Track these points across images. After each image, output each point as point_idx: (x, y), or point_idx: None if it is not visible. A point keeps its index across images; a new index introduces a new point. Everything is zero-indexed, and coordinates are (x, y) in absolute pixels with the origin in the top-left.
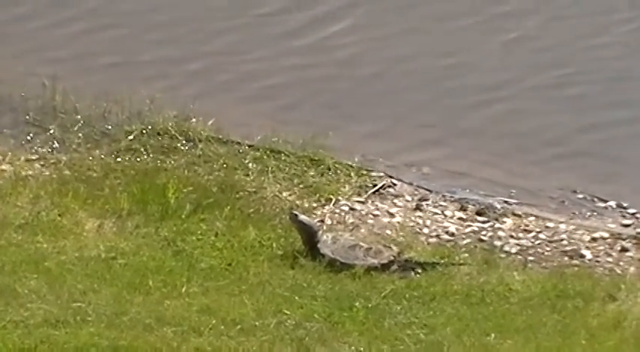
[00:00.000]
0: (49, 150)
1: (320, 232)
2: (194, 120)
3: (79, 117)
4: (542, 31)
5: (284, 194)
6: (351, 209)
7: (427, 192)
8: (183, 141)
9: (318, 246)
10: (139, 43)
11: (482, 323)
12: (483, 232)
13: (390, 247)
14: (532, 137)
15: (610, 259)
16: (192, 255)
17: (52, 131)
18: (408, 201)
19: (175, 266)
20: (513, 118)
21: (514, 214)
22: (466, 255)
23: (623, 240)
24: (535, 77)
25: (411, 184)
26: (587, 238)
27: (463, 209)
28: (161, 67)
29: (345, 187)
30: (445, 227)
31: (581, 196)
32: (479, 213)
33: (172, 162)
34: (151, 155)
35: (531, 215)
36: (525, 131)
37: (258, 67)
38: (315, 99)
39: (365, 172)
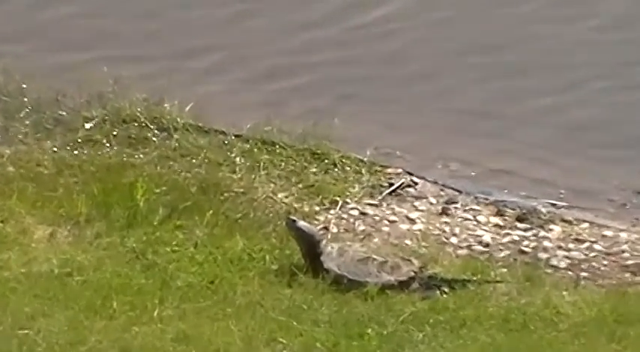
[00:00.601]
0: None
1: (323, 242)
2: (168, 104)
3: (25, 100)
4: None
5: (279, 195)
6: (362, 213)
7: (456, 193)
8: (155, 131)
9: (321, 258)
10: (102, 14)
11: None
12: (525, 242)
13: (409, 261)
14: (587, 127)
15: None
16: (165, 270)
17: None
18: (432, 203)
19: (145, 284)
20: (563, 105)
21: (563, 220)
22: (504, 270)
23: None
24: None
25: (435, 183)
26: None
27: (500, 214)
28: (128, 41)
29: (354, 187)
30: (478, 236)
31: None
32: (520, 219)
33: (142, 156)
34: (115, 147)
35: (584, 221)
36: (578, 119)
37: (248, 43)
38: (318, 81)
39: (379, 168)
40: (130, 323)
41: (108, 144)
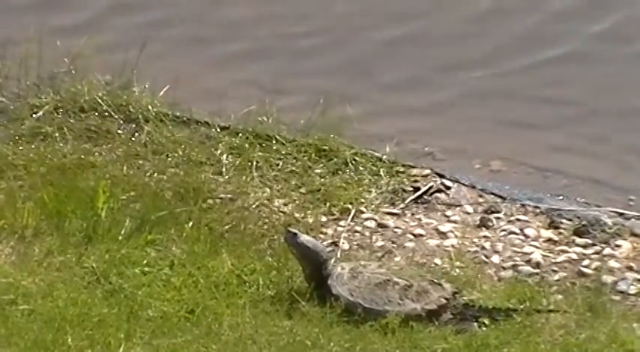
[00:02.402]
0: None
1: (332, 261)
2: (137, 89)
3: None
4: None
5: (276, 202)
6: (380, 225)
7: (498, 200)
8: (121, 122)
9: (329, 282)
10: None
11: None
12: (586, 262)
13: (440, 285)
14: None
15: None
16: (133, 297)
17: None
18: (468, 213)
19: (108, 314)
20: (630, 89)
21: (634, 234)
22: (559, 297)
23: None
24: None
25: (473, 187)
26: None
27: (554, 226)
28: (87, 7)
29: (370, 192)
30: (526, 253)
31: None
32: (578, 233)
33: (104, 153)
34: (70, 143)
35: None
36: None
37: (237, 13)
38: (325, 60)
39: (402, 169)
40: None
41: (61, 139)
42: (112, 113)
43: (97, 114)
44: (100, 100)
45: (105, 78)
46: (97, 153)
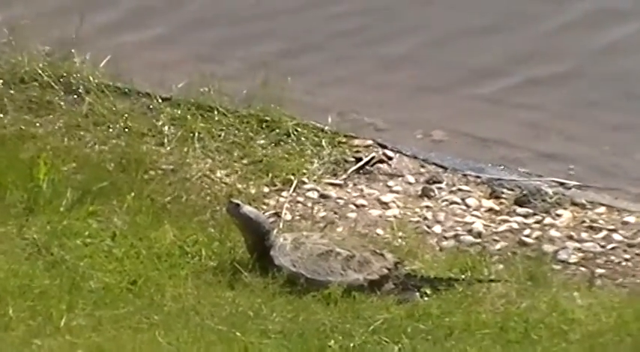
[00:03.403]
0: None
1: (274, 232)
2: (78, 60)
3: None
4: None
5: (218, 173)
6: (323, 196)
7: (440, 170)
8: (62, 93)
9: (271, 253)
10: None
11: None
12: (526, 231)
13: (382, 255)
14: (603, 88)
15: None
16: (75, 268)
17: None
18: (410, 183)
19: (50, 285)
20: (573, 61)
21: (574, 204)
22: (500, 266)
23: None
24: None
25: (414, 158)
26: None
27: (495, 196)
28: None
29: (312, 163)
30: (468, 223)
31: None
32: (519, 203)
33: (45, 124)
34: (10, 114)
35: (600, 204)
36: (593, 80)
37: None
38: (267, 29)
39: (343, 140)
40: (31, 334)
41: (1, 110)
42: (53, 84)
43: (37, 85)
44: (40, 71)
45: (45, 49)
46: (37, 125)
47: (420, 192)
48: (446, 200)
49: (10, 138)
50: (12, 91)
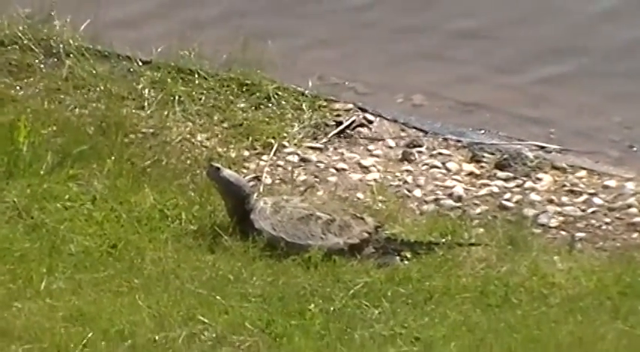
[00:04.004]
0: None
1: (254, 196)
2: (58, 22)
3: None
4: None
5: (199, 137)
6: (303, 160)
7: (420, 134)
8: (42, 56)
9: (252, 216)
10: None
11: (505, 335)
12: (507, 195)
13: (362, 219)
14: (583, 50)
15: None
16: (55, 231)
17: None
18: (390, 147)
19: (30, 249)
20: (551, 23)
21: (554, 167)
22: (481, 230)
23: None
24: None
25: (395, 121)
26: None
27: (476, 159)
28: None
29: (292, 127)
30: (448, 187)
31: None
32: (500, 167)
33: (25, 87)
34: None
35: (581, 168)
36: (572, 42)
37: None
38: None
39: (324, 103)
40: (11, 297)
41: None
42: (33, 47)
43: (17, 48)
44: (20, 34)
45: (25, 11)
46: (17, 88)
47: (400, 156)
48: (426, 164)
49: None
50: None
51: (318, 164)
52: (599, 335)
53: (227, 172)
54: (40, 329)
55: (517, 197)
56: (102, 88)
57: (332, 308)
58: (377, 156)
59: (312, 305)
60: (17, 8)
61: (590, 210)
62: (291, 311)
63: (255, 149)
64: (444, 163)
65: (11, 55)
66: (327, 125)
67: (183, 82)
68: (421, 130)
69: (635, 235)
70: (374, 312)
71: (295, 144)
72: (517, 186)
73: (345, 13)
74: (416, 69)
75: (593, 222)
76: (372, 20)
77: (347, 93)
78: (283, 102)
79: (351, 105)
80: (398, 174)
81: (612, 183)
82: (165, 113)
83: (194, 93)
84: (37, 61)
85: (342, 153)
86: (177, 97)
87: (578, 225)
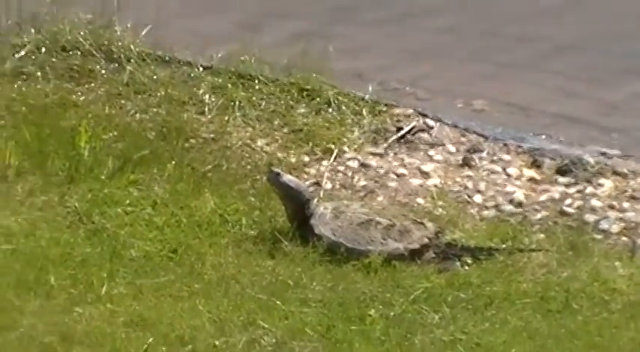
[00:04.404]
0: None
1: (314, 201)
2: (119, 28)
3: None
4: None
5: (259, 142)
6: (363, 165)
7: (481, 139)
8: (103, 61)
9: (311, 222)
10: None
11: (565, 341)
12: (568, 201)
13: (422, 224)
14: None
15: None
16: (116, 236)
17: None
18: (451, 153)
19: (91, 254)
20: (613, 23)
21: (616, 173)
22: (541, 236)
23: None
24: None
25: (455, 127)
26: None
27: (537, 165)
28: None
29: (353, 132)
30: (509, 193)
31: None
32: (561, 172)
33: (86, 93)
34: (52, 82)
35: None
36: (632, 43)
37: None
38: None
39: (384, 109)
40: (72, 302)
41: (43, 78)
42: (94, 52)
43: (79, 53)
44: (81, 39)
45: (86, 17)
46: (79, 93)
47: (460, 162)
48: (487, 169)
49: (52, 107)
50: (54, 59)
51: (378, 169)
52: None
53: (287, 177)
54: (100, 334)
55: (578, 202)
56: (162, 93)
57: (392, 314)
58: (437, 161)
59: (373, 311)
60: (79, 13)
61: None
62: (351, 317)
63: (316, 154)
64: (504, 169)
65: (73, 61)
66: (387, 130)
67: (243, 88)
68: (482, 135)
69: None
70: (434, 318)
71: (355, 150)
72: (578, 191)
73: (406, 19)
74: (476, 74)
75: None
76: (433, 26)
77: (407, 98)
78: (343, 108)
79: (411, 111)
80: (458, 179)
81: None
82: (226, 118)
83: (254, 98)
84: (98, 66)
85: (403, 159)
86: (237, 102)
87: (639, 231)
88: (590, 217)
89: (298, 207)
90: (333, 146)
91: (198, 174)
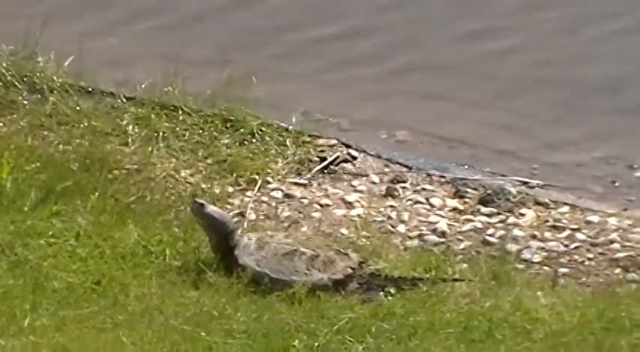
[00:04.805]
0: None
1: (238, 232)
2: (42, 59)
3: None
4: None
5: (183, 173)
6: (287, 195)
7: (404, 170)
8: (26, 92)
9: (236, 252)
10: None
11: None
12: (490, 230)
13: (346, 255)
14: (566, 84)
15: None
16: (39, 268)
17: None
18: (374, 183)
19: (13, 285)
20: (536, 56)
21: (537, 203)
22: (464, 265)
23: None
24: None
25: (379, 157)
26: None
27: (459, 195)
28: None
29: (277, 162)
30: (432, 222)
31: None
32: (483, 202)
33: (8, 124)
34: None
35: (564, 204)
36: (555, 75)
37: None
38: (230, 26)
39: (308, 139)
40: None
41: None
42: (16, 83)
43: (1, 84)
44: (3, 70)
45: (9, 48)
46: (0, 124)
47: (384, 192)
48: (410, 199)
49: None
50: None
51: (302, 200)
52: None
53: (211, 208)
54: None
55: (500, 232)
56: (86, 124)
57: (316, 344)
58: (361, 191)
59: (297, 341)
60: (0, 45)
61: (573, 246)
62: (276, 348)
63: (240, 185)
64: (427, 199)
65: None
66: (310, 161)
67: (167, 118)
68: (405, 166)
69: (617, 271)
70: (358, 348)
71: (279, 180)
72: (500, 221)
73: (328, 49)
74: (399, 105)
75: (576, 257)
76: (355, 57)
77: (331, 129)
78: (267, 138)
79: (334, 141)
80: (382, 209)
81: (595, 218)
82: (150, 149)
83: (178, 129)
84: (20, 97)
85: (326, 189)
86: (161, 133)
87: (561, 261)
88: (512, 247)
89: (222, 238)
90: (257, 176)
91: (122, 205)
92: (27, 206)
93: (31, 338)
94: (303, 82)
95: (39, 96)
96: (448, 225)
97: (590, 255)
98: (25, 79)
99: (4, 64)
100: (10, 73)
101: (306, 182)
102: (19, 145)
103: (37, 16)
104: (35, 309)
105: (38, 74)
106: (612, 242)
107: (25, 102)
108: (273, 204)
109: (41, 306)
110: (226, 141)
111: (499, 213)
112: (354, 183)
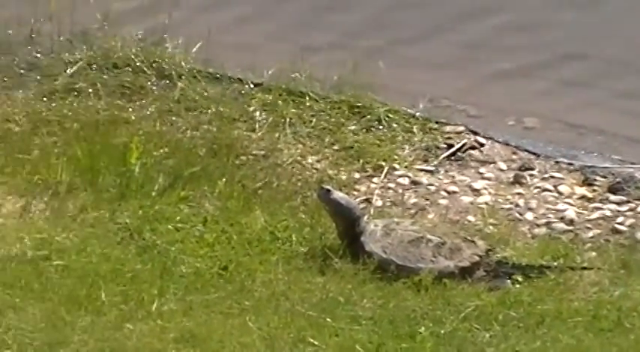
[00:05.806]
0: None
1: (365, 218)
2: (170, 45)
3: None
4: None
5: (309, 159)
6: (414, 182)
7: (532, 157)
8: (154, 78)
9: (362, 239)
10: None
11: None
12: (620, 219)
13: (473, 242)
14: None
15: None
16: (167, 253)
17: None
18: (502, 170)
19: (141, 270)
20: None
21: None
22: (593, 254)
23: None
24: None
25: (507, 144)
26: None
27: (588, 183)
28: None
29: (403, 149)
30: (560, 210)
31: None
32: (612, 190)
33: (137, 109)
34: (103, 99)
35: None
36: None
37: None
38: (358, 15)
39: (435, 126)
40: (123, 319)
41: (95, 95)
42: (145, 69)
43: (130, 70)
44: (133, 56)
45: (138, 34)
46: (130, 110)
47: (511, 179)
48: (538, 187)
49: (103, 123)
50: (105, 76)
51: (429, 187)
52: None
53: (338, 194)
54: (151, 351)
55: (630, 220)
56: (213, 110)
57: (442, 332)
58: (488, 179)
59: (423, 328)
60: (130, 31)
61: None
62: (402, 334)
63: (366, 171)
64: (555, 186)
65: (124, 78)
66: (438, 148)
67: (294, 104)
68: (533, 153)
69: None
70: (485, 336)
71: (406, 167)
72: (630, 209)
73: (457, 36)
74: (527, 92)
75: None
76: (483, 42)
77: (458, 115)
78: (394, 125)
79: (462, 128)
80: (509, 197)
81: None
82: (276, 135)
83: (305, 115)
84: (149, 83)
85: (453, 176)
86: (288, 119)
87: None
88: None
89: (349, 224)
90: (383, 163)
91: (249, 191)
92: (155, 191)
93: (158, 323)
94: (430, 68)
95: (167, 81)
96: (576, 212)
97: None
98: (153, 65)
99: (134, 50)
100: (139, 58)
101: (433, 169)
102: (148, 131)
103: (165, 3)
104: (163, 294)
105: (167, 60)
106: None
107: (154, 87)
108: (400, 190)
109: (169, 291)
110: (353, 127)
111: (629, 201)
112: (482, 170)
